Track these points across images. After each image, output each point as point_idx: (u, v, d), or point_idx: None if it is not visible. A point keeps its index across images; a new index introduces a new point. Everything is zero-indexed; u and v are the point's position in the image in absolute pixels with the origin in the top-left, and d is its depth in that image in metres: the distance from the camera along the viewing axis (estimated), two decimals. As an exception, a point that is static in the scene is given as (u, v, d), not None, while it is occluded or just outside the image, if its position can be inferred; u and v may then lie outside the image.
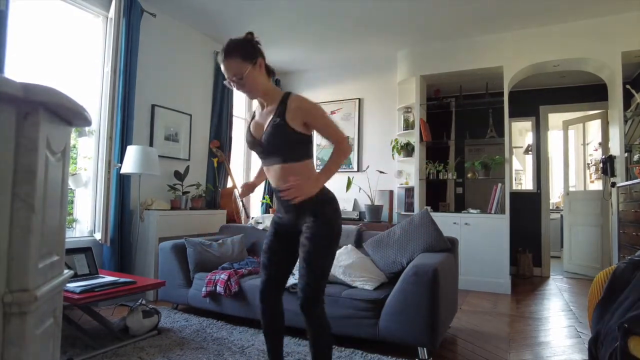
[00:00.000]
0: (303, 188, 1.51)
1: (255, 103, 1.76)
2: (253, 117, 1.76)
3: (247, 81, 1.57)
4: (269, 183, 5.20)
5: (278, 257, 1.74)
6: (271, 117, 1.60)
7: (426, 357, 2.24)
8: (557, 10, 3.77)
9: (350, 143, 1.62)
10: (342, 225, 1.75)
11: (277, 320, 1.76)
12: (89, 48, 3.44)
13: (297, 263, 1.68)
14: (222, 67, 1.58)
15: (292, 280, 2.50)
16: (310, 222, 1.60)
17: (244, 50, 1.56)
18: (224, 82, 1.65)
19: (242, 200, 4.82)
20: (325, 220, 1.61)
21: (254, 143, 1.68)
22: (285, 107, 1.58)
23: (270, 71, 1.68)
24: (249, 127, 1.73)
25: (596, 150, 5.39)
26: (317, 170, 1.71)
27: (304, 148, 1.63)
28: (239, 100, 5.08)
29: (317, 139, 5.40)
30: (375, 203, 4.66)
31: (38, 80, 0.94)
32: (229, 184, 4.63)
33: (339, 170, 5.57)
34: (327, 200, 1.66)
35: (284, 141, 1.59)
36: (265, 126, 1.62)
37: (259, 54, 1.60)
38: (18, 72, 2.81)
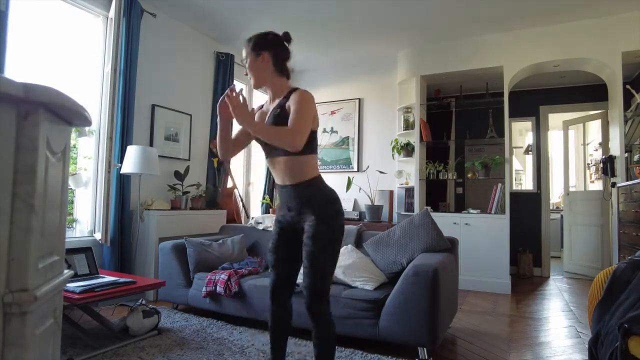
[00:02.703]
0: (236, 108, 1.51)
1: (265, 98, 1.81)
2: (260, 107, 1.79)
3: (250, 68, 1.69)
4: (270, 182, 5.20)
5: (285, 255, 1.75)
6: (273, 107, 1.67)
7: (426, 357, 2.24)
8: (557, 10, 3.77)
9: (298, 146, 1.55)
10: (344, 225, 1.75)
11: (285, 321, 1.77)
12: (89, 48, 3.44)
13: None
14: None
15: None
16: (312, 221, 1.61)
17: (255, 41, 1.68)
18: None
19: (242, 201, 4.82)
20: (326, 220, 1.61)
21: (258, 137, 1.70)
22: (287, 100, 1.63)
23: (284, 71, 1.72)
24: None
25: (596, 150, 5.39)
26: (320, 172, 1.74)
27: (306, 142, 1.60)
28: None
29: (319, 139, 5.39)
30: (376, 203, 4.66)
31: (38, 80, 0.94)
32: (229, 184, 4.63)
33: (339, 170, 5.54)
34: (330, 200, 1.66)
35: None
36: (267, 117, 1.67)
37: (267, 50, 1.66)
38: (18, 72, 2.81)
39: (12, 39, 2.61)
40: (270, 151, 1.68)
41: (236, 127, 1.76)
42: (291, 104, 1.60)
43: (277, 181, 1.72)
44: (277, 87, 1.70)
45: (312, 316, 1.59)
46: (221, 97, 1.65)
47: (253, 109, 1.79)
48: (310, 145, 1.64)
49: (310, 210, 1.63)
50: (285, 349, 1.81)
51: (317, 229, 1.59)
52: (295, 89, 1.66)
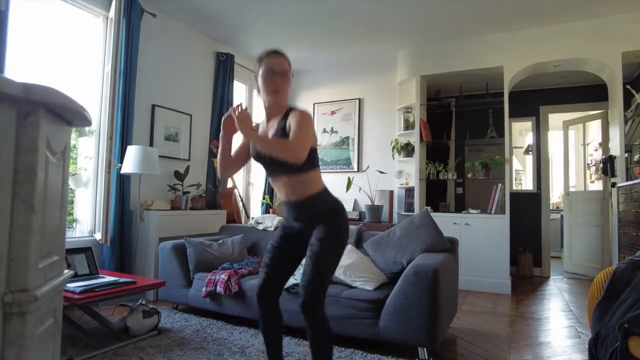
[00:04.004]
0: (242, 121, 1.58)
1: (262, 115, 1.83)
2: (257, 127, 1.80)
3: (286, 81, 1.70)
4: (269, 183, 5.20)
5: (281, 258, 1.76)
6: (273, 130, 1.68)
7: (426, 357, 2.24)
8: (557, 10, 3.77)
9: (301, 158, 1.55)
10: None
11: (274, 321, 1.77)
12: (89, 48, 3.44)
13: (301, 264, 1.71)
14: (274, 59, 1.69)
15: (293, 280, 2.50)
16: (321, 228, 1.65)
17: (290, 64, 1.75)
18: (258, 73, 1.72)
19: (242, 201, 4.82)
20: (336, 227, 1.67)
21: (258, 156, 1.72)
22: (286, 120, 1.65)
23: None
24: None
25: (596, 150, 5.39)
26: (322, 178, 1.77)
27: (307, 159, 1.60)
28: (239, 100, 5.08)
29: (319, 139, 5.39)
30: (376, 203, 4.66)
31: (38, 80, 0.94)
32: (229, 184, 4.63)
33: (339, 170, 5.53)
34: (338, 210, 1.72)
35: None
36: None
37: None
38: (18, 72, 2.81)
39: (12, 39, 2.61)
40: (273, 171, 1.71)
41: (235, 145, 1.81)
42: (291, 121, 1.62)
43: (282, 198, 1.74)
44: (281, 104, 1.73)
45: (305, 315, 1.58)
46: (227, 113, 1.69)
47: (257, 124, 1.82)
48: (312, 161, 1.67)
49: (317, 221, 1.66)
50: (281, 347, 1.82)
51: (324, 234, 1.63)
52: (292, 108, 1.69)
